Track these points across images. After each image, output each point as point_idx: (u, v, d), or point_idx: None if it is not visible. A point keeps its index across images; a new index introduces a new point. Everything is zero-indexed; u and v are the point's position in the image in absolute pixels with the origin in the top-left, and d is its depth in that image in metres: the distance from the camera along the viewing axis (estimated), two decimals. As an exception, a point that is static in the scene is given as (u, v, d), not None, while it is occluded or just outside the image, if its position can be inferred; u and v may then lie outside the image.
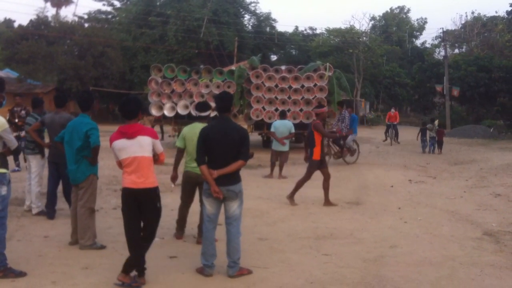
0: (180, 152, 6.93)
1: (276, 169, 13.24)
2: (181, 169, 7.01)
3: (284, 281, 5.45)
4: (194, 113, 17.88)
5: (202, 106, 6.97)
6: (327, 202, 9.72)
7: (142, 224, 5.23)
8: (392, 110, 26.84)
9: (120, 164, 5.18)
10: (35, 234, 7.07)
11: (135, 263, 5.13)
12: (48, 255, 6.09)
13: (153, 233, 5.31)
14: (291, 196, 9.72)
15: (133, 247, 5.17)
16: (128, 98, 5.29)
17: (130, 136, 5.05)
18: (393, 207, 9.63)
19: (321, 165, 9.62)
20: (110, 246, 6.10)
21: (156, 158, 5.30)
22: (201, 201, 6.65)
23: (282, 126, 13.06)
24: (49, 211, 7.99)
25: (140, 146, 5.08)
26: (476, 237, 7.43)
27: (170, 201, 9.12)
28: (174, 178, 7.05)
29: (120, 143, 5.09)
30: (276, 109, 18.03)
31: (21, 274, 5.30)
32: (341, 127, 15.74)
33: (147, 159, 5.12)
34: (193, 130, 6.61)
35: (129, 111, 5.16)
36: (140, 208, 5.14)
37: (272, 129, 13.23)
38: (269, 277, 5.55)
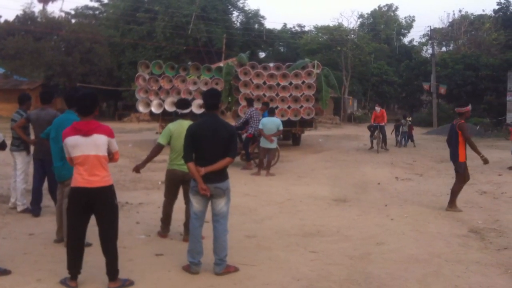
0: (159, 148, 6.74)
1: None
2: (161, 166, 6.98)
3: (271, 278, 5.45)
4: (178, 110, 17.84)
5: (183, 104, 6.91)
6: (452, 206, 9.27)
7: (98, 226, 5.06)
8: (377, 108, 21.06)
9: (71, 160, 5.01)
10: (20, 231, 7.02)
11: (110, 267, 5.02)
12: (33, 253, 6.05)
13: (115, 233, 5.12)
14: (451, 205, 9.28)
15: (75, 251, 5.04)
16: (84, 93, 5.13)
17: (85, 133, 4.87)
18: (380, 204, 9.67)
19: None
20: (96, 243, 6.03)
21: (111, 157, 5.12)
22: (185, 198, 6.64)
23: (270, 123, 12.99)
24: (35, 209, 7.93)
25: (95, 145, 4.91)
26: (462, 234, 7.48)
27: (156, 198, 9.11)
28: (139, 169, 6.82)
29: (74, 140, 4.90)
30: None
31: (5, 272, 5.25)
32: (249, 129, 13.96)
33: (101, 158, 4.95)
34: (180, 128, 6.55)
35: (85, 107, 4.97)
36: (96, 209, 4.98)
37: (260, 126, 13.14)
38: (256, 274, 5.55)
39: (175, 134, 6.60)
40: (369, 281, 5.44)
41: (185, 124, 6.45)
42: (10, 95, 33.52)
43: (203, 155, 5.41)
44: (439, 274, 5.72)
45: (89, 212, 5.03)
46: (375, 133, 20.02)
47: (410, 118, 23.90)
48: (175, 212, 7.01)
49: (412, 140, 23.49)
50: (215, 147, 5.40)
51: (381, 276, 5.59)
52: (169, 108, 18.12)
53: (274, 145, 12.98)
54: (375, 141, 20.08)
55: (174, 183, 6.83)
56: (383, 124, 20.10)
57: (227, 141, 5.43)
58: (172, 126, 6.73)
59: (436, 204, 9.77)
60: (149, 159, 6.90)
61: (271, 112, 13.64)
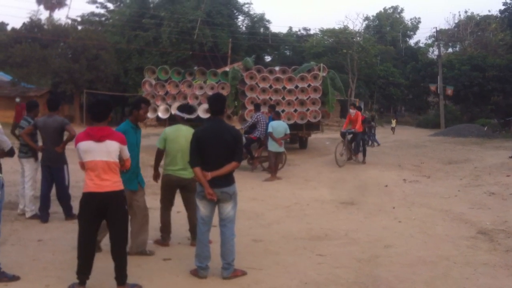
0: (160, 153, 6.75)
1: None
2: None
3: (279, 282, 5.45)
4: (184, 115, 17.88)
5: (189, 108, 6.87)
6: None
7: (109, 231, 5.11)
8: (351, 111, 16.64)
9: (83, 165, 5.05)
10: (28, 238, 7.04)
11: (119, 271, 5.05)
12: (41, 259, 6.07)
13: (125, 237, 5.17)
14: None
15: (86, 256, 5.06)
16: (98, 100, 5.17)
17: (98, 139, 4.92)
18: (387, 207, 9.64)
19: None
20: (105, 249, 6.07)
21: (122, 164, 5.16)
22: (185, 205, 6.66)
23: (280, 127, 12.94)
24: (43, 215, 7.96)
25: (107, 151, 4.94)
26: (470, 236, 7.45)
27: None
28: (156, 177, 6.99)
29: (86, 145, 4.94)
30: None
31: (14, 278, 5.28)
32: (255, 133, 14.10)
33: (112, 164, 4.99)
34: (176, 132, 6.55)
35: (98, 113, 5.01)
36: (107, 213, 5.00)
37: (269, 130, 13.03)
38: (264, 278, 5.55)
39: (170, 137, 6.58)
40: (377, 284, 5.43)
41: (183, 129, 6.50)
42: (17, 103, 33.66)
43: (209, 160, 5.42)
44: (447, 276, 5.70)
45: (100, 217, 5.06)
46: (343, 141, 16.17)
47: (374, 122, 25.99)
48: (182, 217, 7.01)
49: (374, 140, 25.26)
50: (220, 152, 5.41)
51: (389, 279, 5.58)
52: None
53: (282, 148, 12.94)
54: (338, 151, 15.84)
55: (170, 189, 6.77)
56: (354, 130, 16.12)
57: (233, 145, 5.44)
58: (169, 129, 6.71)
59: (444, 206, 9.73)
60: (156, 165, 6.96)
61: (277, 115, 13.59)
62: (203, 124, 5.88)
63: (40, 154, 8.16)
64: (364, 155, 16.82)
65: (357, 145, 16.48)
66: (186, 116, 6.73)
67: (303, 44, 54.71)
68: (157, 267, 5.89)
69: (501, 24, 47.87)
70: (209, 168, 5.38)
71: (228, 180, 5.49)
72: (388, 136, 32.08)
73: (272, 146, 12.91)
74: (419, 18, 70.36)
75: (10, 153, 5.76)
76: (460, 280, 5.57)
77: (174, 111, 18.14)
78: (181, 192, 6.72)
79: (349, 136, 16.19)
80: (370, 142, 24.11)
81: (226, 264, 5.50)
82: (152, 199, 9.94)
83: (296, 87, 18.53)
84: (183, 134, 6.46)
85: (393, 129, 35.28)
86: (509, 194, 10.88)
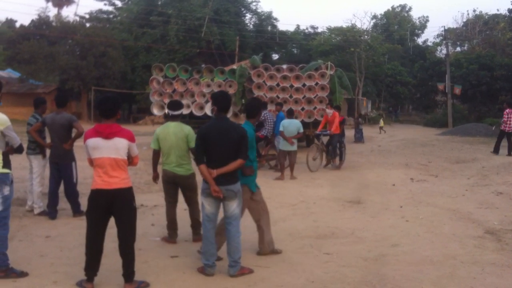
0: (156, 154, 6.82)
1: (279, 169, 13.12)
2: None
3: (285, 280, 5.45)
4: (195, 112, 17.99)
5: (174, 105, 6.90)
6: None
7: (117, 228, 5.10)
8: (328, 110, 15.08)
9: (91, 162, 5.07)
10: (36, 234, 7.09)
11: (126, 268, 5.07)
12: (49, 255, 6.11)
13: (133, 234, 5.16)
14: None
15: (94, 253, 5.08)
16: (106, 97, 5.16)
17: (106, 136, 4.93)
18: (394, 206, 9.61)
19: None
20: (111, 246, 6.09)
21: (130, 161, 5.17)
22: (186, 201, 6.67)
23: (292, 126, 12.79)
24: (51, 211, 8.01)
25: (116, 148, 4.95)
26: (477, 236, 7.41)
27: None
28: (155, 178, 7.02)
29: (95, 142, 4.95)
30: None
31: (22, 274, 5.32)
32: (263, 131, 13.59)
33: (120, 161, 5.00)
34: (165, 130, 6.62)
35: (107, 110, 5.00)
36: (115, 210, 5.02)
37: (281, 129, 12.84)
38: (270, 276, 5.56)
39: (161, 136, 6.65)
40: (383, 283, 5.42)
41: (171, 126, 6.55)
42: (25, 99, 33.86)
43: (214, 157, 5.43)
44: (454, 275, 5.67)
45: (109, 214, 5.08)
46: (317, 144, 14.90)
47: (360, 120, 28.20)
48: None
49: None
50: (225, 150, 5.41)
51: (395, 278, 5.56)
52: (184, 110, 18.18)
53: (294, 147, 12.80)
54: (310, 155, 14.47)
55: (168, 184, 6.81)
56: (329, 131, 14.69)
57: (238, 143, 5.44)
58: (159, 129, 6.79)
59: (451, 205, 9.68)
60: (154, 166, 7.01)
61: (290, 114, 13.51)
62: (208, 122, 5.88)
63: (48, 151, 8.20)
64: (341, 159, 15.34)
65: (333, 148, 15.01)
66: (170, 113, 6.76)
67: (310, 42, 54.60)
68: (164, 264, 5.91)
69: (510, 23, 47.65)
70: (214, 165, 5.39)
71: (233, 178, 5.49)
72: (395, 135, 31.96)
73: (283, 145, 12.82)
74: (427, 16, 70.32)
75: (19, 149, 5.79)
76: (467, 280, 5.54)
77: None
78: (181, 190, 6.79)
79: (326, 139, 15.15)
80: (357, 138, 25.96)
81: (232, 262, 5.51)
82: (159, 196, 9.99)
83: (304, 85, 18.53)
84: (172, 131, 6.54)
85: (381, 128, 34.57)
86: (517, 194, 10.82)
